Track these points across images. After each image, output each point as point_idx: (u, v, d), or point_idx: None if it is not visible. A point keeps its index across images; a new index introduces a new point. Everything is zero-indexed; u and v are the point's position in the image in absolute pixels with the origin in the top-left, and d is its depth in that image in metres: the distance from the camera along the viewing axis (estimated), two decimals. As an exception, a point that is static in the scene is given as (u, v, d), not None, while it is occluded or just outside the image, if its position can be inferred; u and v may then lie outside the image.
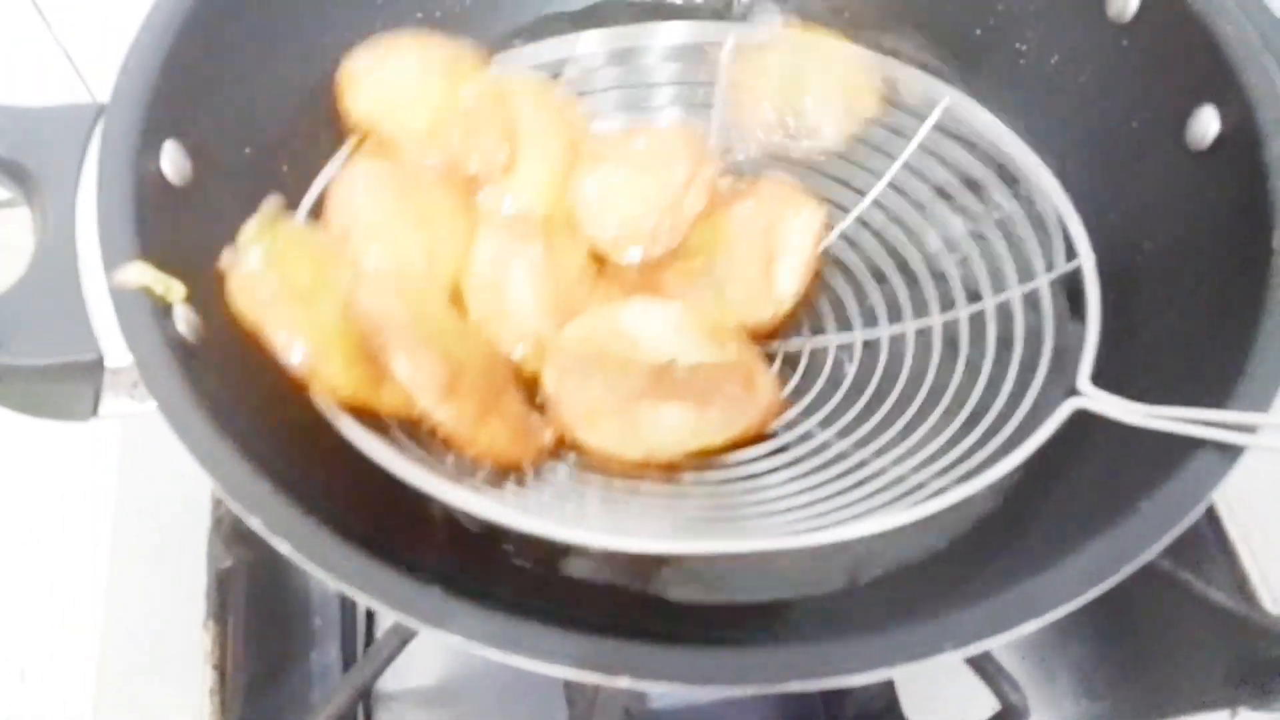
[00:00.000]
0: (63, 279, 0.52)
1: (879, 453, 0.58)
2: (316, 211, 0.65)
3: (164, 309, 0.51)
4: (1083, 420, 0.57)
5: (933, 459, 0.57)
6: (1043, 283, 0.65)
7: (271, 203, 0.60)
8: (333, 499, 0.54)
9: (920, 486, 0.55)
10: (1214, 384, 0.50)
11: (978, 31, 0.74)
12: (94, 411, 0.52)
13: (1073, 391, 0.58)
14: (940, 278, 0.67)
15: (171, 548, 0.70)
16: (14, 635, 0.77)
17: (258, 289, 0.53)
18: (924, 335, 0.65)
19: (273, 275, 0.54)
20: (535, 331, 0.62)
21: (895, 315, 0.67)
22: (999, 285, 0.65)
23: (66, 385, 0.51)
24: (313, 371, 0.53)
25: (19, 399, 0.52)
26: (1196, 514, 0.47)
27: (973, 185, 0.69)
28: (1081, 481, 0.56)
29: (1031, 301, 0.64)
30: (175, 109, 0.58)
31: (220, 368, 0.54)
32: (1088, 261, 0.64)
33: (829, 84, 0.72)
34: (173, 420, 0.46)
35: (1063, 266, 0.65)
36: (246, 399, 0.55)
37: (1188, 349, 0.58)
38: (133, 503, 0.71)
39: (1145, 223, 0.64)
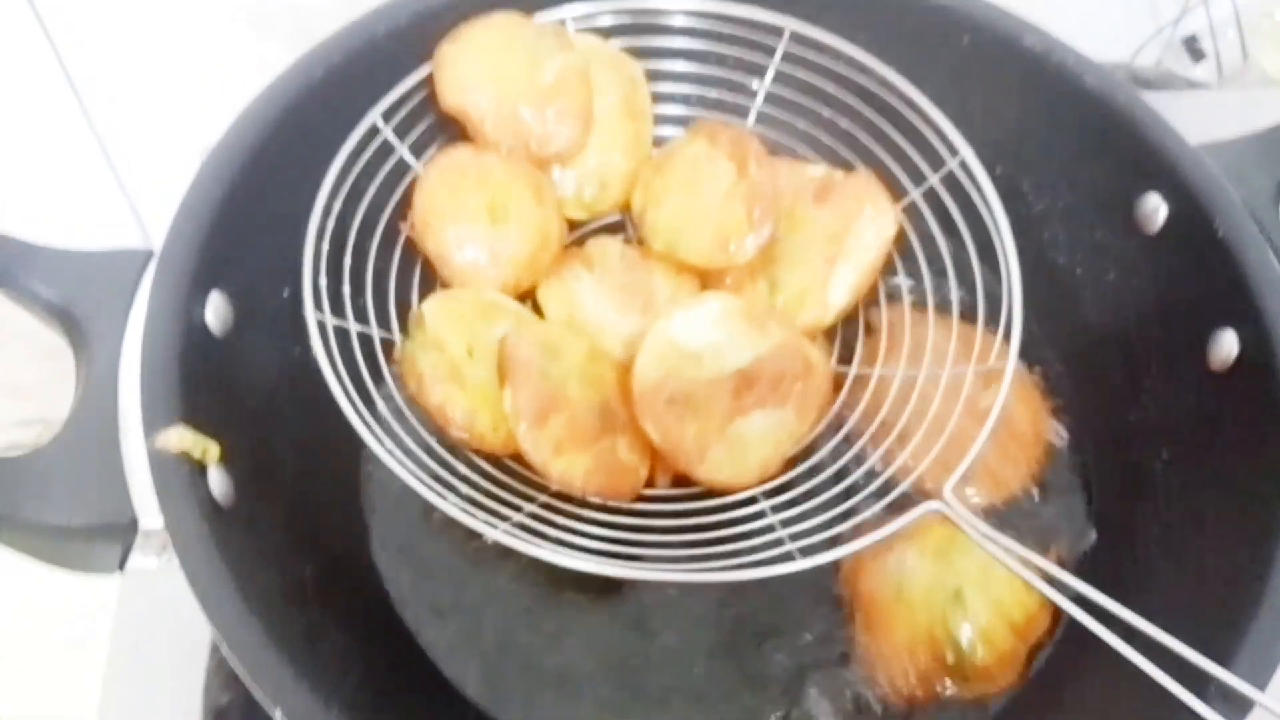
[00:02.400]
0: (102, 435, 0.52)
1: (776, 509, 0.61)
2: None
3: (199, 470, 0.52)
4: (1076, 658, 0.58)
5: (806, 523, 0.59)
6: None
7: (417, 310, 0.63)
8: (348, 666, 0.55)
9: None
10: (1217, 630, 0.51)
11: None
12: (120, 567, 0.52)
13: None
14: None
15: (166, 682, 0.69)
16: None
17: (413, 375, 0.60)
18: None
19: (427, 358, 0.60)
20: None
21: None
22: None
23: (97, 544, 0.51)
24: (468, 435, 0.59)
25: (46, 553, 0.52)
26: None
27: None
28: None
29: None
30: (222, 260, 0.59)
31: (248, 525, 0.54)
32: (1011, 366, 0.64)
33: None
34: (203, 599, 0.47)
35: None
36: (272, 555, 0.56)
37: (1195, 575, 0.59)
38: (129, 633, 0.70)
39: (1163, 431, 0.66)
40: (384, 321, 0.66)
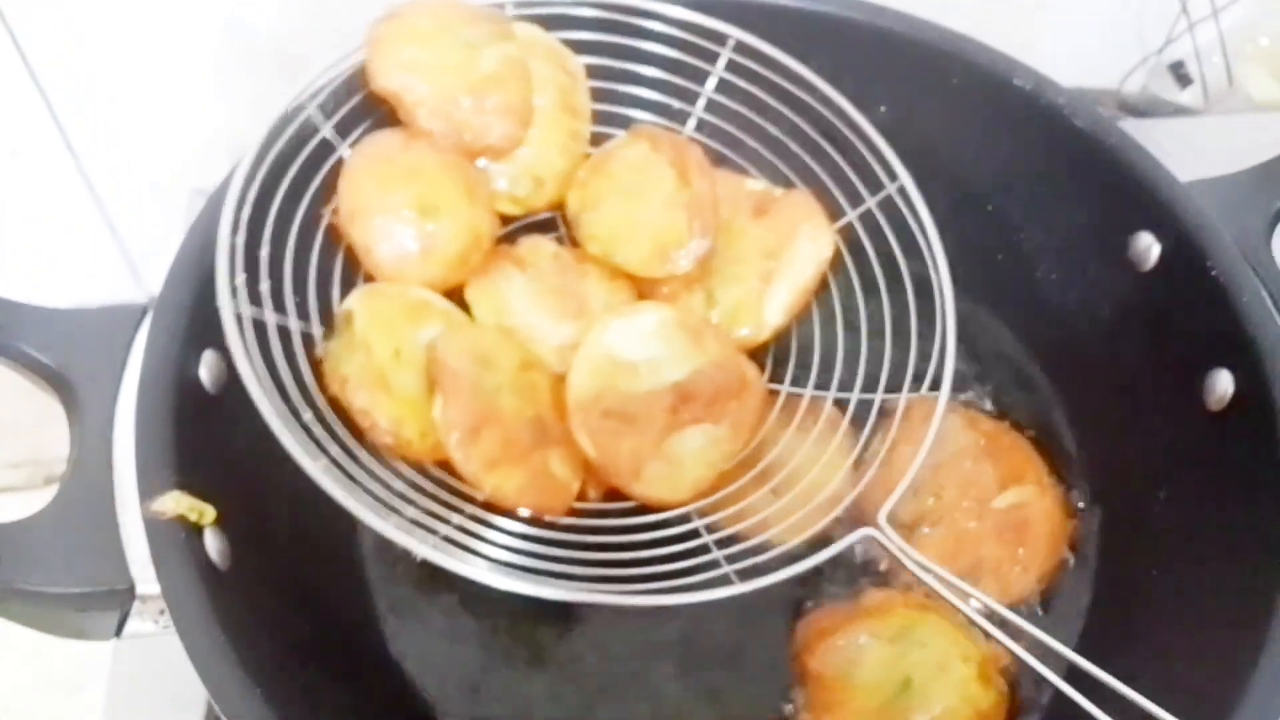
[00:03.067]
0: (97, 501, 0.52)
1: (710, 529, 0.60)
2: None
3: (195, 532, 0.52)
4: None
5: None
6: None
7: (344, 308, 0.60)
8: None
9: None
10: (1216, 680, 0.51)
11: (999, 256, 0.76)
12: (117, 634, 0.52)
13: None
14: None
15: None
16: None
17: (337, 376, 0.57)
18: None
19: (352, 361, 0.57)
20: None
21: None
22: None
23: (94, 612, 0.51)
24: (394, 441, 0.57)
25: (42, 621, 0.51)
26: None
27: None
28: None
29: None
30: (216, 317, 0.58)
31: (245, 587, 0.54)
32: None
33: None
34: (201, 667, 0.46)
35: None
36: (270, 616, 0.56)
37: (1193, 618, 0.59)
38: (124, 693, 0.69)
39: (1160, 470, 0.66)
40: (304, 315, 0.61)
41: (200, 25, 0.78)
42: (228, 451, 0.58)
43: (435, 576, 0.64)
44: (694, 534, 0.59)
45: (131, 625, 0.52)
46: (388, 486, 0.55)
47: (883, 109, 0.76)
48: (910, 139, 0.75)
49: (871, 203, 0.69)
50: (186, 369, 0.56)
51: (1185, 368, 0.64)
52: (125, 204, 0.82)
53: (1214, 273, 0.62)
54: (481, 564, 0.53)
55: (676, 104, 0.72)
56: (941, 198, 0.74)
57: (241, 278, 0.56)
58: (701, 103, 0.72)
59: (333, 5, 0.69)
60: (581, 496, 0.61)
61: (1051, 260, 0.74)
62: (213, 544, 0.52)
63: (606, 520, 0.60)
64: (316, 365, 0.59)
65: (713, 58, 0.71)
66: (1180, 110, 1.07)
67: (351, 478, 0.54)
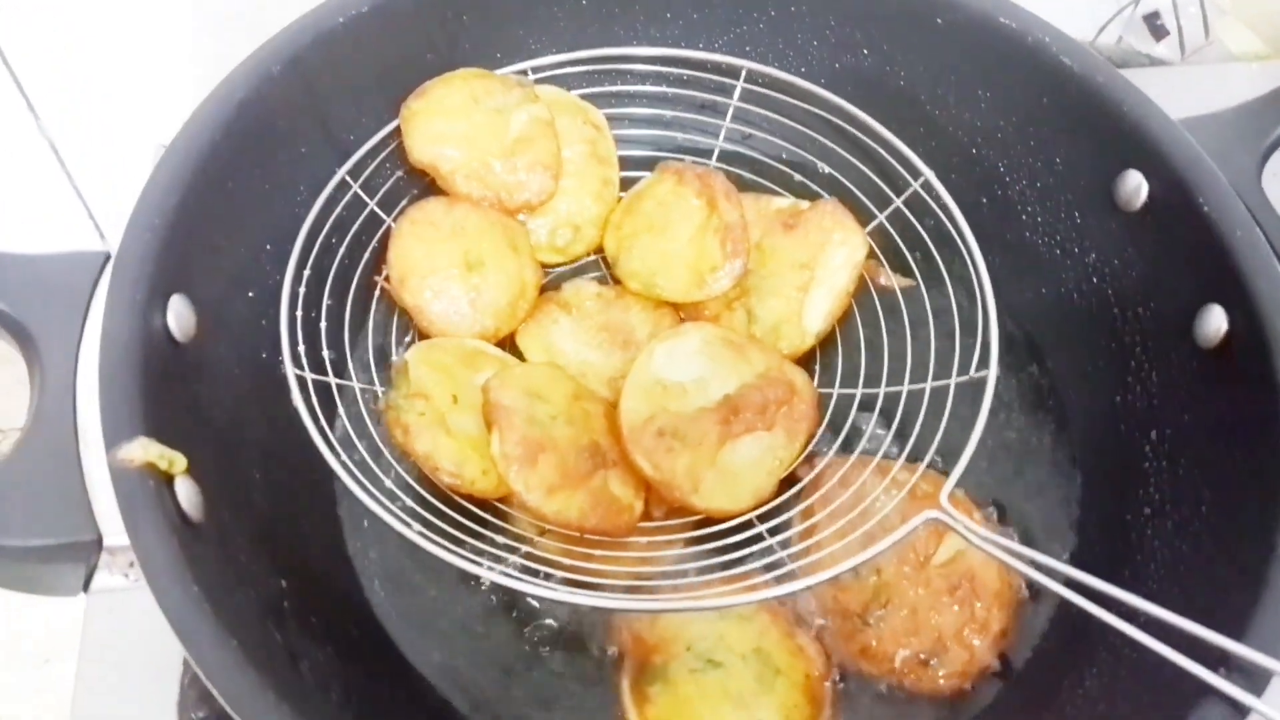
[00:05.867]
0: (59, 451, 0.50)
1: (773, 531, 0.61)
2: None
3: (165, 482, 0.49)
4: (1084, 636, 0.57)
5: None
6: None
7: (400, 359, 0.63)
8: (329, 683, 0.53)
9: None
10: (1223, 612, 0.50)
11: (983, 203, 0.74)
12: (84, 589, 0.50)
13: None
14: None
15: (138, 700, 0.66)
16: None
17: (399, 425, 0.60)
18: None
19: (413, 409, 0.60)
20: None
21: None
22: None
23: (59, 565, 0.48)
24: (459, 480, 0.59)
25: (6, 578, 0.49)
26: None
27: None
28: (1091, 691, 0.56)
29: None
30: (182, 261, 0.56)
31: (220, 541, 0.52)
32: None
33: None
34: (175, 624, 0.44)
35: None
36: (246, 572, 0.54)
37: (1199, 553, 0.58)
38: (97, 650, 0.67)
39: (1152, 413, 0.65)
40: (365, 374, 0.66)
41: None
42: (198, 402, 0.56)
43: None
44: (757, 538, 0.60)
45: (100, 580, 0.49)
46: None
47: (865, 53, 0.75)
48: (891, 85, 0.75)
49: (898, 201, 0.72)
50: (151, 316, 0.53)
51: (1176, 308, 0.63)
52: (84, 157, 0.79)
53: (1205, 209, 0.61)
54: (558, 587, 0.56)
55: (700, 140, 0.77)
56: (922, 143, 0.74)
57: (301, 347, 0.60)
58: (722, 134, 0.76)
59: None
60: (646, 516, 0.62)
61: (1035, 206, 0.73)
62: (184, 494, 0.50)
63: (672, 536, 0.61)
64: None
65: (729, 91, 0.75)
66: (1155, 62, 1.06)
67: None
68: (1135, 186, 0.65)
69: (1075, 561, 0.65)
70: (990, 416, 0.66)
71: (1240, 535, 0.54)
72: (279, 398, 0.58)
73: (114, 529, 0.48)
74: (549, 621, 0.63)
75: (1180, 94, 0.70)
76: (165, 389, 0.52)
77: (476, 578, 0.63)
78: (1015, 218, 0.73)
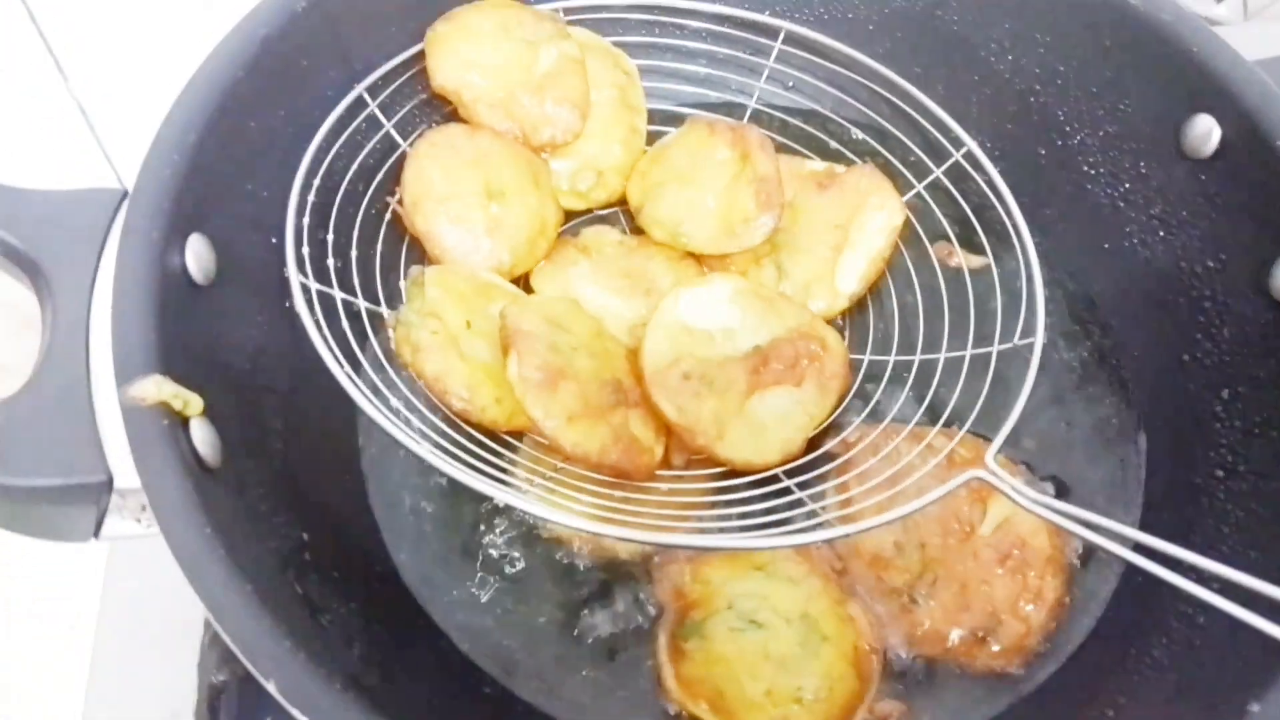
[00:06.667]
0: (71, 388, 0.47)
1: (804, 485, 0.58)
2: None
3: (180, 423, 0.47)
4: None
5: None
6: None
7: (417, 270, 0.61)
8: (352, 637, 0.50)
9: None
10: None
11: (1041, 154, 0.71)
12: (95, 534, 0.47)
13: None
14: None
15: (158, 658, 0.64)
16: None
17: (409, 344, 0.56)
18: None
19: (425, 327, 0.57)
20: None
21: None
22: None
23: (68, 507, 0.46)
24: (469, 405, 0.56)
25: (13, 519, 0.47)
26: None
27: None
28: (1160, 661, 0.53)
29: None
30: (201, 200, 0.54)
31: (238, 488, 0.50)
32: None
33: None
34: (186, 566, 0.42)
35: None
36: (265, 521, 0.51)
37: (1267, 517, 0.54)
38: (117, 608, 0.66)
39: (1223, 369, 0.61)
40: (370, 294, 0.62)
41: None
42: (217, 346, 0.54)
43: (443, 486, 0.61)
44: (784, 491, 0.57)
45: (111, 525, 0.47)
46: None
47: (917, -5, 0.72)
48: (944, 30, 0.72)
49: (939, 171, 0.70)
50: (169, 254, 0.51)
51: (1249, 259, 0.59)
52: (101, 94, 0.78)
53: (1281, 152, 0.57)
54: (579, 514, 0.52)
55: (732, 98, 0.74)
56: (975, 92, 0.70)
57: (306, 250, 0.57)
58: (756, 94, 0.74)
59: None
60: (665, 465, 0.59)
61: (1097, 156, 0.69)
62: (200, 436, 0.47)
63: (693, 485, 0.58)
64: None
65: (765, 51, 0.73)
66: (1214, 24, 1.02)
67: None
68: (1205, 131, 0.61)
69: (1141, 528, 0.61)
70: (1047, 382, 0.63)
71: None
72: (301, 348, 0.55)
73: (125, 471, 0.46)
74: (582, 581, 0.60)
75: (1244, 52, 0.66)
76: (182, 329, 0.50)
77: (500, 526, 0.61)
78: (1075, 169, 0.70)
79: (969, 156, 0.68)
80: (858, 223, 0.67)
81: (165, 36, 0.76)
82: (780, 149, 0.71)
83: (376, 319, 0.61)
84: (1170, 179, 0.64)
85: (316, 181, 0.60)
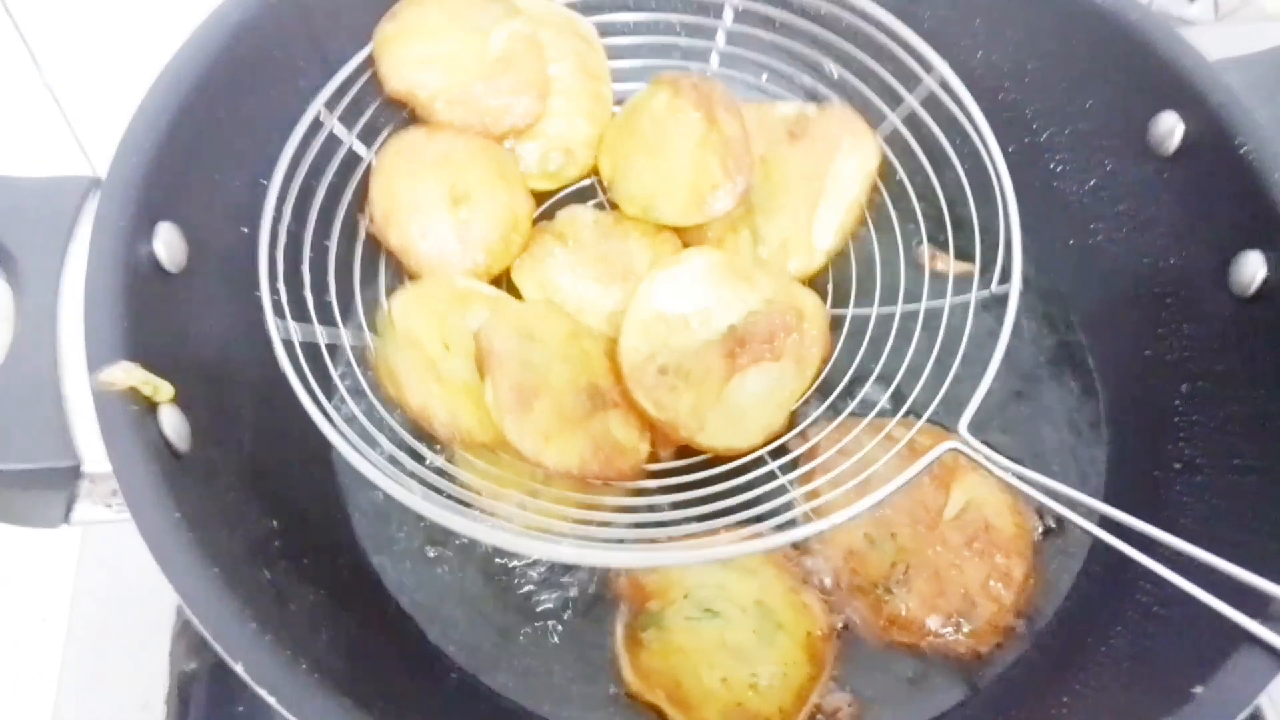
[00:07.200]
0: (40, 374, 0.47)
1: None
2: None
3: (149, 409, 0.47)
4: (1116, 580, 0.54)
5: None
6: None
7: (385, 306, 0.59)
8: (318, 622, 0.51)
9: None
10: (1264, 560, 0.47)
11: (1010, 148, 0.71)
12: (65, 519, 0.47)
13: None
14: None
15: (130, 646, 0.64)
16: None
17: (390, 379, 0.56)
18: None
19: (403, 359, 0.56)
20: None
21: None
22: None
23: (37, 492, 0.46)
24: (454, 434, 0.55)
25: (-17, 505, 0.47)
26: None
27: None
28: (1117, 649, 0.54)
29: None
30: (172, 188, 0.54)
31: (208, 476, 0.50)
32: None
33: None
34: (155, 550, 0.42)
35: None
36: (234, 508, 0.51)
37: (1233, 506, 0.55)
38: (89, 596, 0.66)
39: (1183, 364, 0.62)
40: (353, 323, 0.61)
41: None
42: (187, 334, 0.54)
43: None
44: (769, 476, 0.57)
45: (81, 510, 0.47)
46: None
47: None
48: (917, 26, 0.72)
49: (912, 100, 0.66)
50: (139, 242, 0.51)
51: (1210, 255, 0.60)
52: (73, 81, 0.77)
53: (1244, 150, 0.58)
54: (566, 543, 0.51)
55: (699, 43, 0.71)
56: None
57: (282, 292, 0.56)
58: (721, 37, 0.70)
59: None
60: (652, 459, 0.59)
61: (1065, 153, 0.70)
62: (170, 423, 0.47)
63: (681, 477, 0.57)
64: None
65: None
66: (1187, 24, 1.03)
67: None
68: (1170, 129, 0.62)
69: (1104, 520, 0.62)
70: (1014, 375, 0.63)
71: (1273, 491, 0.51)
72: (271, 338, 0.55)
73: (94, 456, 0.46)
74: (543, 570, 0.61)
75: (1213, 52, 0.67)
76: (152, 316, 0.50)
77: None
78: (1043, 166, 0.71)
79: (942, 83, 0.65)
80: (832, 170, 0.65)
81: (139, 24, 0.76)
82: (749, 92, 0.69)
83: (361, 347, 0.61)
84: (1136, 176, 0.65)
85: (288, 210, 0.58)
